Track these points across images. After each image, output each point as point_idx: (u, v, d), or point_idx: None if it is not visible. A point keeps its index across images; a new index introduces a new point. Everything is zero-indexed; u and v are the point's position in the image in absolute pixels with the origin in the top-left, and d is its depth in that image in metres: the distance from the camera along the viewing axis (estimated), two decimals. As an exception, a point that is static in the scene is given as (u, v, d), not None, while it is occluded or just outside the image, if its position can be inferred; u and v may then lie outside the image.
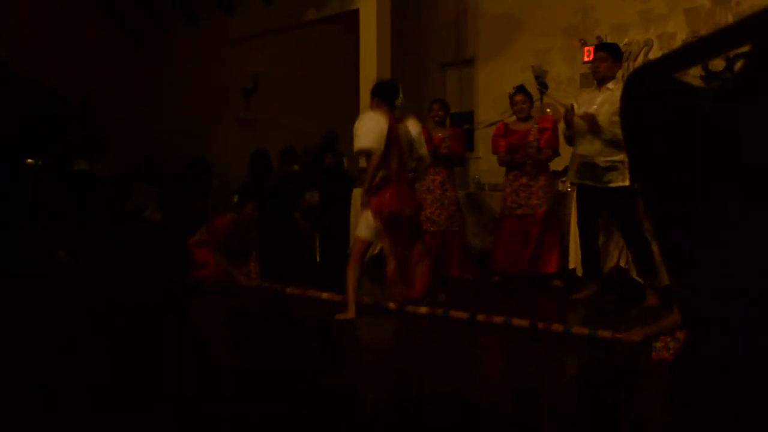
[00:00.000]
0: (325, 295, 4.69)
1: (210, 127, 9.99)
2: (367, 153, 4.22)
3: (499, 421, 2.36)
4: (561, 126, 4.84)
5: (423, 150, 4.50)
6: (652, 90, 0.98)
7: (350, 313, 4.15)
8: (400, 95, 4.36)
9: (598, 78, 4.58)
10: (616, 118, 4.30)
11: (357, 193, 6.81)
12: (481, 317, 3.79)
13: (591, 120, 4.40)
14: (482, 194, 6.33)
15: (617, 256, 4.90)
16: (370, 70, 7.16)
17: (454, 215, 5.75)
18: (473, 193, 6.55)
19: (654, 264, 4.40)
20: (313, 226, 7.28)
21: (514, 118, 5.48)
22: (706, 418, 0.94)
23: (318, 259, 7.15)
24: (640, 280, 4.65)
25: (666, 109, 0.95)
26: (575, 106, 4.65)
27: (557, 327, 3.50)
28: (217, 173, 9.05)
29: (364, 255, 4.46)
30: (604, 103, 4.45)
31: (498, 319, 3.71)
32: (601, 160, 4.45)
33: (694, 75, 5.82)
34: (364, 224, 4.34)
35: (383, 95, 4.33)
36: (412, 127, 4.43)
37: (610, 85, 4.49)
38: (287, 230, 7.22)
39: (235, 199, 6.97)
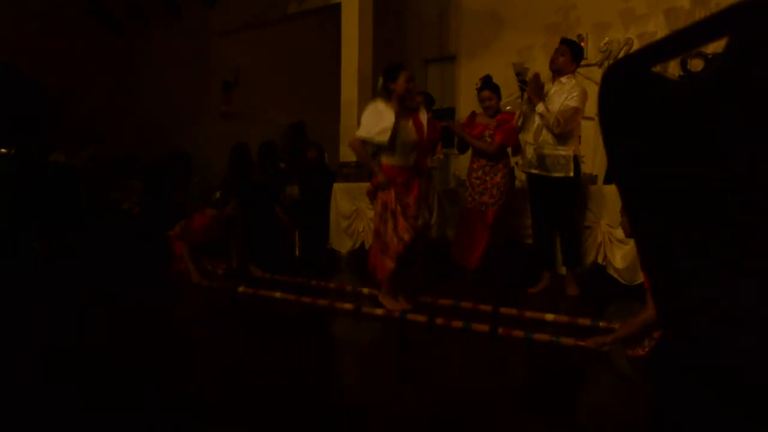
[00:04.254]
0: (278, 295, 4.63)
1: (191, 120, 9.93)
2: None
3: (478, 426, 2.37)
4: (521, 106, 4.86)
5: None
6: (630, 83, 0.98)
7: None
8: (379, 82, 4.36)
9: (553, 69, 4.69)
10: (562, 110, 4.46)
11: (337, 188, 6.80)
12: (439, 320, 3.75)
13: (537, 83, 4.58)
14: (462, 190, 6.34)
15: (594, 253, 4.93)
16: (351, 64, 7.14)
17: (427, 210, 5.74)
18: (453, 189, 6.56)
19: (580, 254, 4.78)
20: (294, 220, 7.25)
21: (509, 107, 5.50)
22: (682, 413, 0.94)
23: (297, 253, 7.12)
24: (617, 276, 4.74)
25: (644, 101, 0.95)
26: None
27: (518, 333, 3.43)
28: (197, 167, 9.00)
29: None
30: (555, 95, 4.59)
31: (457, 324, 3.66)
32: (549, 152, 4.59)
33: (672, 75, 5.88)
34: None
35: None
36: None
37: (563, 79, 4.62)
38: (267, 224, 7.19)
39: (217, 195, 6.91)
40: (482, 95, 5.32)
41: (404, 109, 4.30)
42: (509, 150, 5.36)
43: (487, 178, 5.27)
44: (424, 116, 4.45)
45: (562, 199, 4.66)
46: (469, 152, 5.47)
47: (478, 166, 5.34)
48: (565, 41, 4.77)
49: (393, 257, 4.20)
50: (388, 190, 4.23)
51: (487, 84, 5.36)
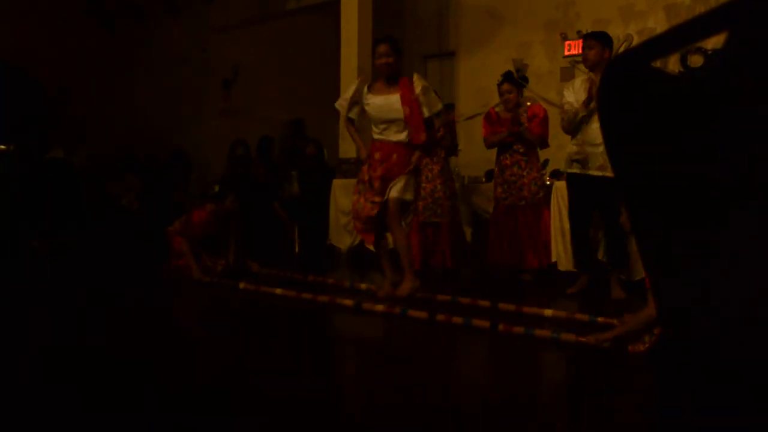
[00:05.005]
0: (278, 291, 4.61)
1: (190, 117, 9.92)
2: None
3: (479, 423, 2.37)
4: (571, 108, 4.60)
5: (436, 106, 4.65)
6: (630, 79, 0.97)
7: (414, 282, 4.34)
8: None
9: (588, 66, 4.54)
10: None
11: (337, 184, 6.79)
12: (440, 317, 3.73)
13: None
14: (462, 187, 6.33)
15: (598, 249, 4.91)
16: (350, 60, 7.13)
17: (455, 206, 5.65)
18: (458, 185, 6.55)
19: (626, 254, 4.49)
20: (292, 217, 7.25)
21: (501, 107, 5.35)
22: (683, 408, 0.94)
23: (296, 249, 7.11)
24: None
25: (644, 97, 0.94)
26: (572, 92, 4.59)
27: (518, 329, 3.41)
28: (196, 164, 8.99)
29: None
30: None
31: (457, 320, 3.65)
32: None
33: (672, 71, 5.86)
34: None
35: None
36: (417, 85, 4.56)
37: None
38: (266, 221, 7.19)
39: (216, 189, 6.90)
40: (502, 88, 5.18)
41: (386, 85, 4.40)
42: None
43: (524, 173, 5.12)
44: (413, 91, 4.40)
45: (613, 199, 4.38)
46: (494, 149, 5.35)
47: (512, 162, 5.16)
48: (590, 35, 4.61)
49: (363, 220, 4.44)
50: (365, 162, 4.45)
51: (507, 77, 5.26)
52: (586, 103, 4.43)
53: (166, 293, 5.01)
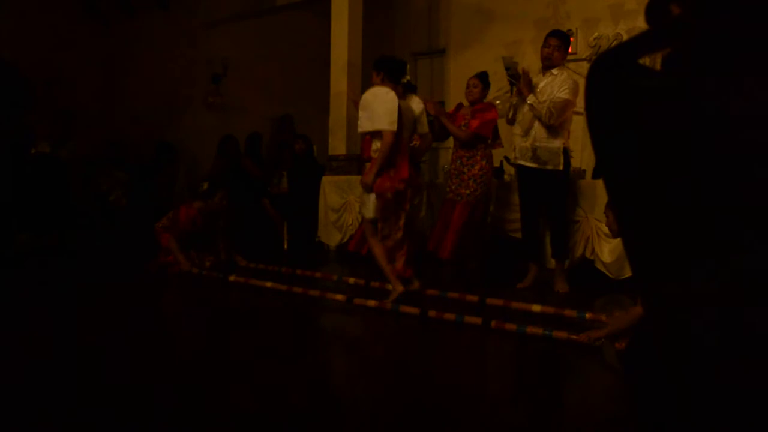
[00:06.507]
0: (269, 284, 4.61)
1: (178, 111, 9.86)
2: (381, 132, 4.14)
3: (469, 417, 2.37)
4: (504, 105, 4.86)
5: (425, 127, 4.54)
6: (616, 75, 0.97)
7: (397, 288, 4.15)
8: (407, 73, 4.43)
9: (547, 65, 4.66)
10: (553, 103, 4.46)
11: (326, 181, 6.78)
12: (432, 313, 3.75)
13: (526, 77, 4.57)
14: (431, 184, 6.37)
15: (582, 247, 4.95)
16: (341, 57, 7.10)
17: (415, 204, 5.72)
18: (443, 183, 6.56)
19: (569, 247, 4.78)
20: (282, 214, 7.23)
21: (498, 102, 5.48)
22: (658, 406, 0.94)
23: (285, 246, 7.10)
24: (604, 270, 4.76)
25: (631, 93, 0.94)
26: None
27: (510, 326, 3.43)
28: (184, 158, 8.95)
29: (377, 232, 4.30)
30: (546, 86, 4.58)
31: (449, 316, 3.66)
32: (540, 145, 4.57)
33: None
34: (370, 205, 4.25)
35: (391, 71, 4.29)
36: (415, 104, 4.48)
37: (555, 71, 4.61)
38: (256, 217, 7.17)
39: (205, 186, 6.85)
40: (468, 82, 5.30)
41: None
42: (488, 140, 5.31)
43: (465, 170, 5.22)
44: (416, 102, 4.57)
45: (552, 192, 4.65)
46: (452, 143, 5.46)
47: (456, 157, 5.30)
48: (556, 34, 4.71)
49: None
50: (385, 176, 4.27)
51: (478, 74, 5.33)
52: (519, 93, 4.71)
53: (157, 292, 4.97)
